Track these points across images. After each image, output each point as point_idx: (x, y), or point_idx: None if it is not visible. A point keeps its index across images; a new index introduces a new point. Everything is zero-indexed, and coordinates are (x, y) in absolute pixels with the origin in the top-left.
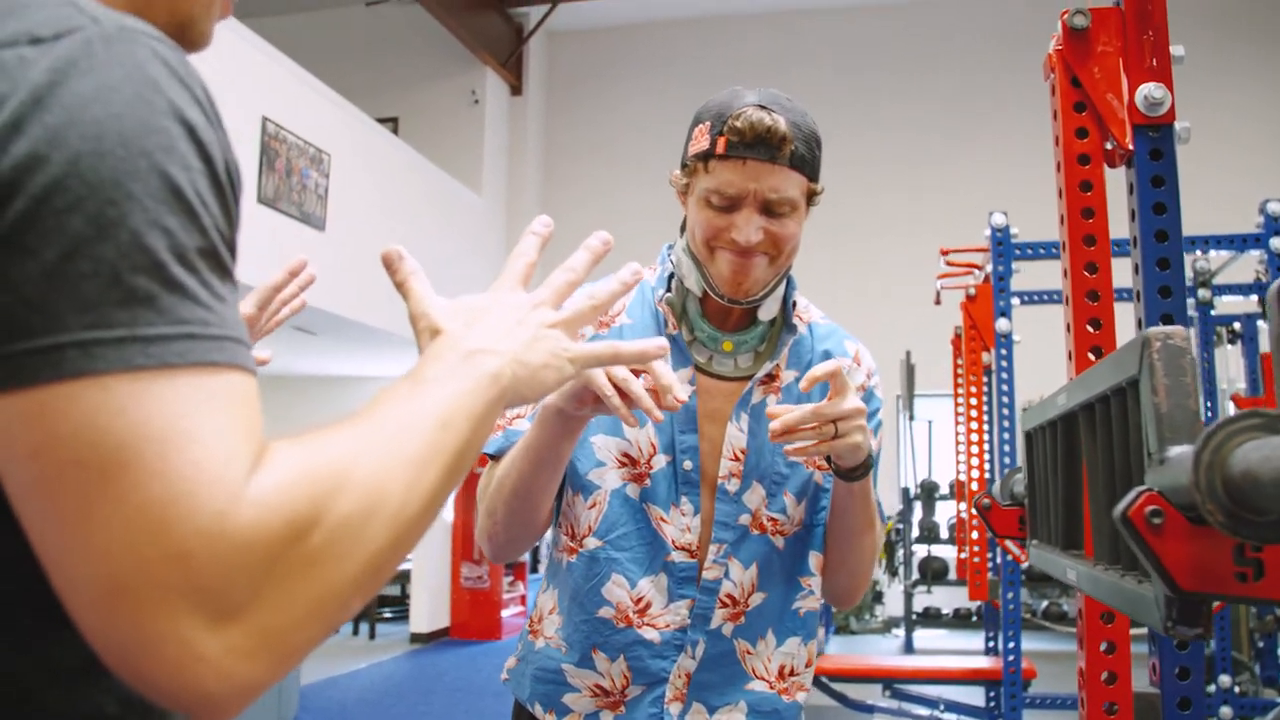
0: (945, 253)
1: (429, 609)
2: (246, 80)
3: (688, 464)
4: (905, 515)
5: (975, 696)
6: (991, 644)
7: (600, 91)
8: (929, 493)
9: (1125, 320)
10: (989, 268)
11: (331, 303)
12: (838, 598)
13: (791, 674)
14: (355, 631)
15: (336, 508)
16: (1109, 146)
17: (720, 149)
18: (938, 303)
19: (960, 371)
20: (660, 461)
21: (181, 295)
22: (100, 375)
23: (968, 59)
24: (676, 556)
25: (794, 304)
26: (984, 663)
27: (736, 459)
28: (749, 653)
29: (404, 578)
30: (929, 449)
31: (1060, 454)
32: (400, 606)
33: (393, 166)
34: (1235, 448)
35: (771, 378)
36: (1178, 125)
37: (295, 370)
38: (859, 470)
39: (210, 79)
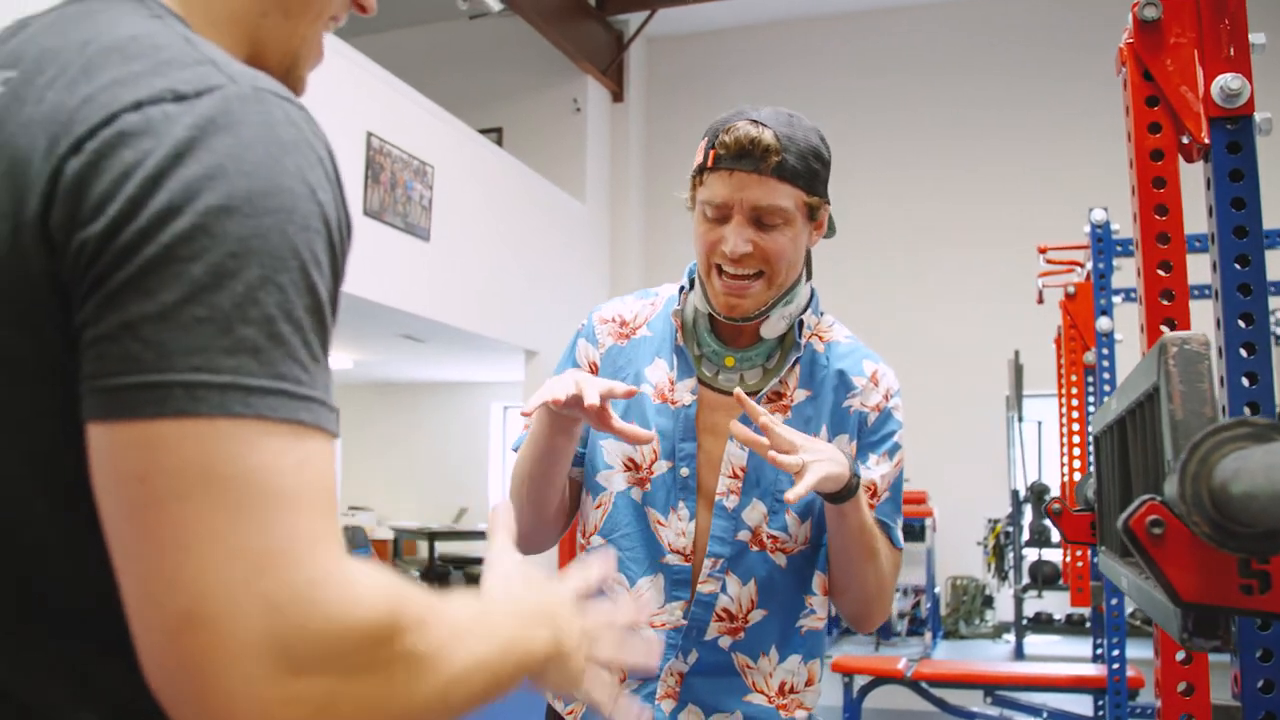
0: (1043, 250)
1: None
2: (350, 97)
3: (684, 471)
4: (1014, 518)
5: (1083, 705)
6: (1099, 651)
7: (700, 95)
8: (1039, 495)
9: (1207, 319)
10: (1089, 265)
11: (438, 311)
12: (853, 620)
13: (792, 691)
14: None
15: (412, 639)
16: (1185, 141)
17: (710, 161)
18: (1040, 301)
19: (1063, 372)
20: (661, 467)
21: (284, 351)
22: (201, 418)
23: (1061, 53)
24: (671, 559)
25: (800, 322)
26: (1090, 670)
27: (735, 476)
28: (749, 666)
29: None
30: (1038, 450)
31: (1117, 459)
32: None
33: (496, 176)
34: (1222, 458)
35: (779, 395)
36: (1257, 117)
37: (405, 377)
38: (840, 494)
39: (315, 96)
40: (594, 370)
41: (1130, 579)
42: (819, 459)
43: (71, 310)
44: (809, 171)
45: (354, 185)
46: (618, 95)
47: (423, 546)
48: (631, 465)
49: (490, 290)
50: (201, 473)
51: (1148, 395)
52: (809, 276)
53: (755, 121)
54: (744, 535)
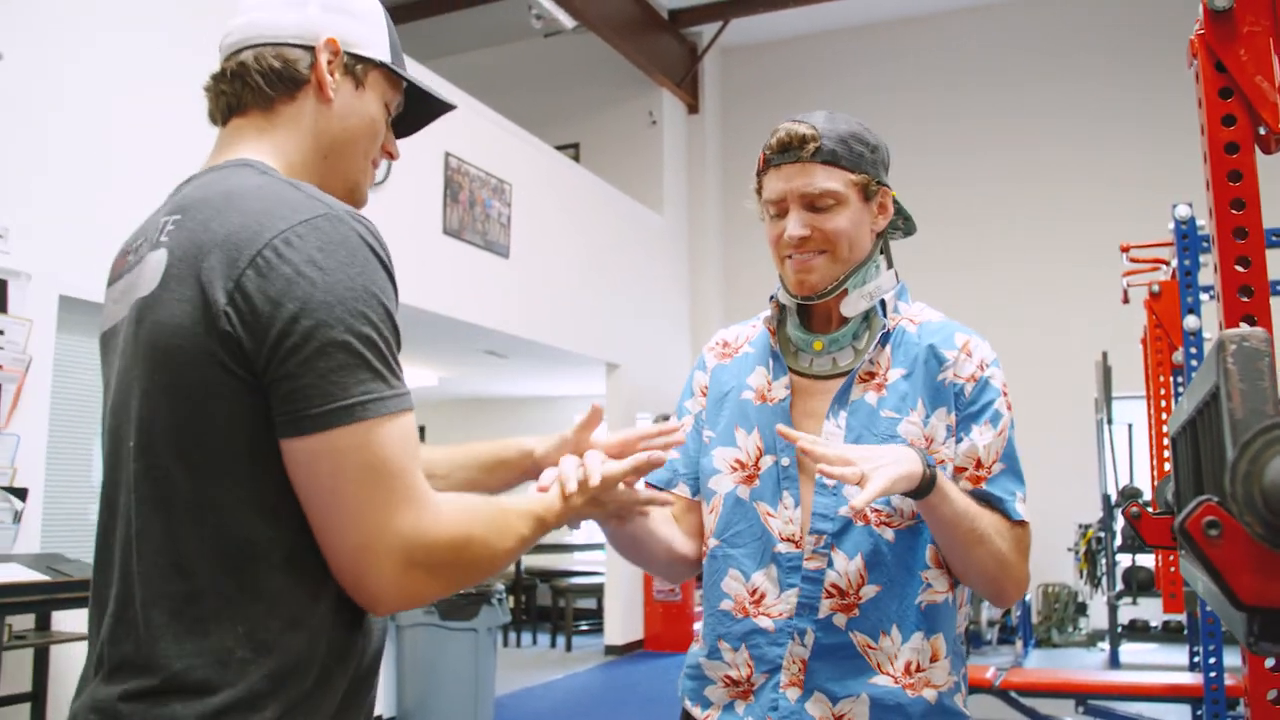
0: (1126, 249)
1: (623, 621)
2: None
3: (785, 460)
4: (1106, 523)
5: (1181, 715)
6: (1195, 659)
7: (775, 104)
8: (1131, 499)
9: None
10: (1174, 262)
11: (519, 327)
12: (987, 598)
13: (919, 669)
14: (552, 644)
15: (472, 549)
16: (1261, 132)
17: (762, 164)
18: (1125, 301)
19: (1150, 372)
20: (766, 462)
21: (393, 375)
22: (372, 421)
23: (1139, 49)
24: (782, 548)
25: (883, 302)
26: (1186, 679)
27: None
28: (871, 647)
29: (599, 591)
30: (1130, 453)
31: (1190, 460)
32: (595, 619)
33: (574, 191)
34: (1274, 456)
35: (871, 375)
36: None
37: (489, 393)
38: (918, 491)
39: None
40: (704, 393)
41: (1205, 582)
42: (881, 464)
43: (253, 367)
44: (851, 153)
45: (433, 205)
46: (693, 107)
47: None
48: (739, 465)
49: (570, 305)
50: (371, 459)
51: (1212, 394)
52: (890, 264)
53: (796, 120)
54: (845, 510)
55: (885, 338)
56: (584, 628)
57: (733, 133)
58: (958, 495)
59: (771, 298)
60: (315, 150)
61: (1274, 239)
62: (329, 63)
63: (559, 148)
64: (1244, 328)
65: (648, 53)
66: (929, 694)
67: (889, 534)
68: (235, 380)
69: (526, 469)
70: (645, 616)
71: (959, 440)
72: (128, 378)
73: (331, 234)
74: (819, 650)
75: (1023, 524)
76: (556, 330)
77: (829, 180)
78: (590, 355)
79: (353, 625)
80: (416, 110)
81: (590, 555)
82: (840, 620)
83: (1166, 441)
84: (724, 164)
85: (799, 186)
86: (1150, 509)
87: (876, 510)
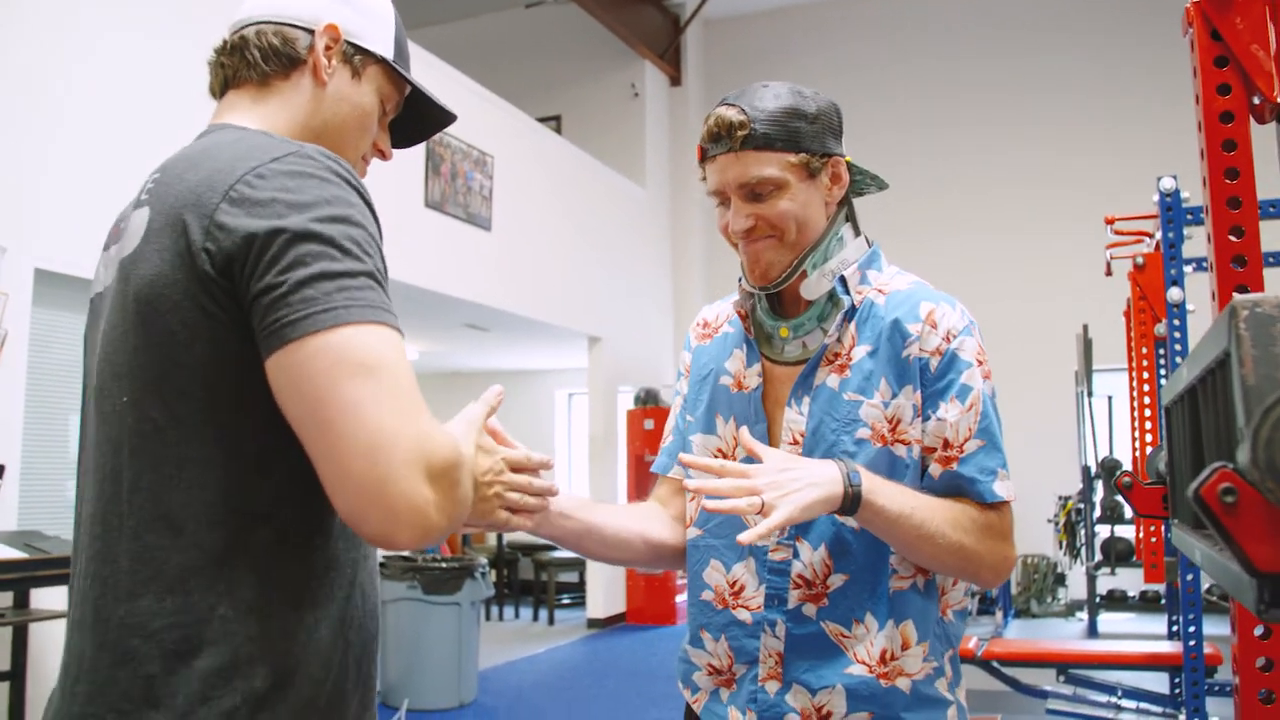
0: (1110, 221)
1: (605, 595)
2: None
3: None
4: (1086, 495)
5: (1159, 683)
6: (1174, 628)
7: (759, 76)
8: (1110, 471)
9: None
10: (1159, 235)
11: (501, 299)
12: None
13: (893, 658)
14: (535, 617)
15: (462, 468)
16: (1256, 102)
17: (700, 155)
18: (1108, 274)
19: (1133, 345)
20: (741, 452)
21: (381, 291)
22: (361, 324)
23: (1128, 19)
24: (752, 515)
25: (842, 278)
26: (1165, 648)
27: (795, 442)
28: (845, 635)
29: (581, 565)
30: (1109, 425)
31: (1188, 429)
32: (578, 593)
33: (556, 164)
34: None
35: (836, 355)
36: None
37: (470, 366)
38: (842, 511)
39: None
40: (687, 371)
41: (1204, 551)
42: (790, 491)
43: (235, 298)
44: (787, 132)
45: (415, 178)
46: (675, 79)
47: (491, 535)
48: (721, 454)
49: (552, 278)
50: (372, 354)
51: (1219, 361)
52: (857, 231)
53: (727, 103)
54: (742, 539)
55: (851, 313)
56: (566, 601)
57: (715, 105)
58: (893, 500)
59: (740, 281)
60: (304, 128)
61: (1268, 210)
62: (327, 48)
63: (541, 119)
64: (1256, 294)
65: (630, 24)
66: (903, 683)
67: (853, 522)
68: (215, 324)
69: None
70: (627, 590)
71: (926, 418)
72: (115, 334)
73: (303, 166)
74: (793, 642)
75: (1000, 505)
76: (538, 303)
77: (765, 167)
78: (572, 328)
79: (347, 584)
80: (419, 120)
81: None
82: (810, 610)
83: (1153, 412)
84: None
85: (734, 177)
86: (1140, 479)
87: None
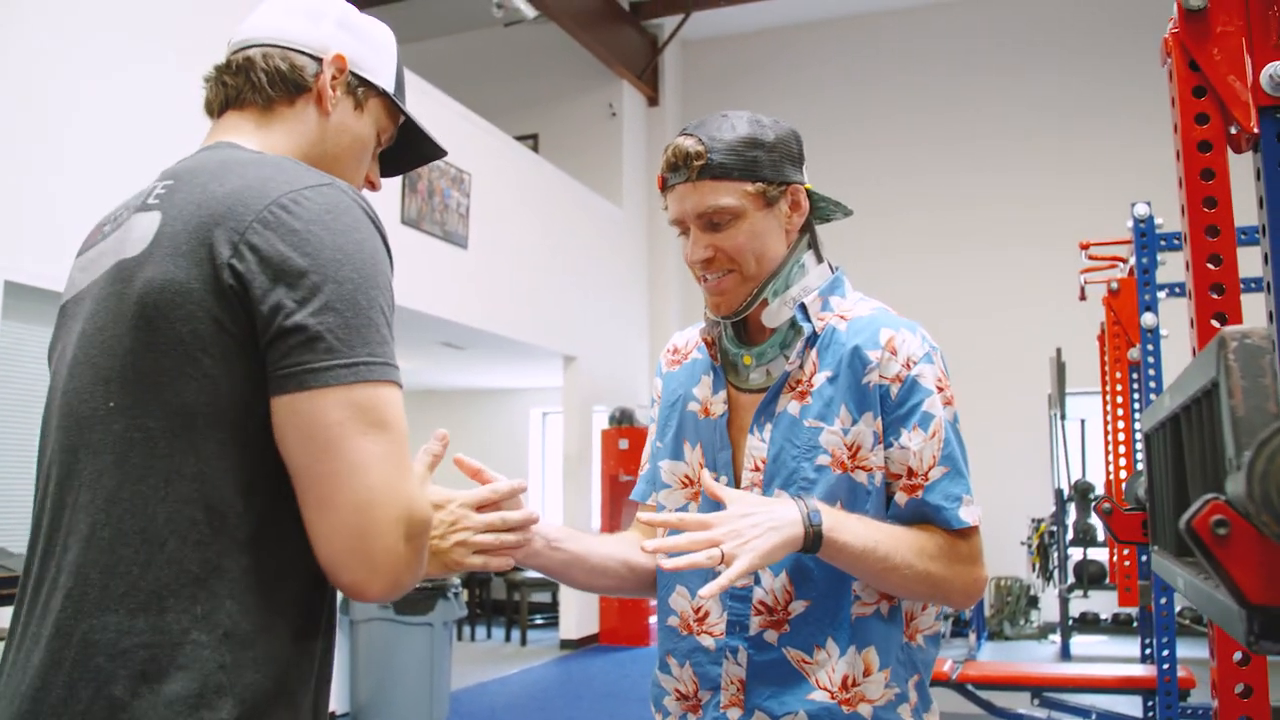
0: (1085, 246)
1: (578, 615)
2: None
3: (722, 478)
4: (1059, 517)
5: (1132, 706)
6: (1148, 652)
7: (736, 98)
8: (1083, 494)
9: (1258, 312)
10: (1132, 260)
11: (477, 318)
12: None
13: (854, 684)
14: (507, 638)
15: (430, 531)
16: (1233, 131)
17: (660, 184)
18: (1082, 298)
19: (1106, 369)
20: (707, 478)
21: (392, 347)
22: (380, 384)
23: (1105, 46)
24: (715, 567)
25: (803, 305)
26: (1138, 671)
27: (757, 469)
28: (806, 661)
29: (554, 585)
30: (1082, 448)
31: (1170, 457)
32: (551, 613)
33: (533, 182)
34: None
35: (798, 382)
36: None
37: (445, 384)
38: (805, 550)
39: None
40: (659, 398)
41: (1187, 579)
42: (750, 539)
43: (251, 323)
44: (743, 162)
45: (391, 195)
46: (653, 100)
47: None
48: (689, 482)
49: (528, 296)
50: (380, 416)
51: (1205, 391)
52: (820, 258)
53: (684, 133)
54: (705, 591)
55: (812, 340)
56: (539, 622)
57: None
58: (857, 535)
59: (705, 309)
60: (304, 157)
61: (1243, 237)
62: (333, 78)
63: (518, 138)
64: (1244, 325)
65: (608, 44)
66: (864, 709)
67: None
68: (227, 338)
69: None
70: (601, 611)
71: (888, 445)
72: (100, 337)
73: (338, 201)
74: (754, 668)
75: (967, 530)
76: (514, 322)
77: (721, 196)
78: (548, 347)
79: (315, 620)
80: (407, 149)
81: None
82: (772, 637)
83: (1127, 436)
84: None
85: (691, 207)
86: (1119, 504)
87: None
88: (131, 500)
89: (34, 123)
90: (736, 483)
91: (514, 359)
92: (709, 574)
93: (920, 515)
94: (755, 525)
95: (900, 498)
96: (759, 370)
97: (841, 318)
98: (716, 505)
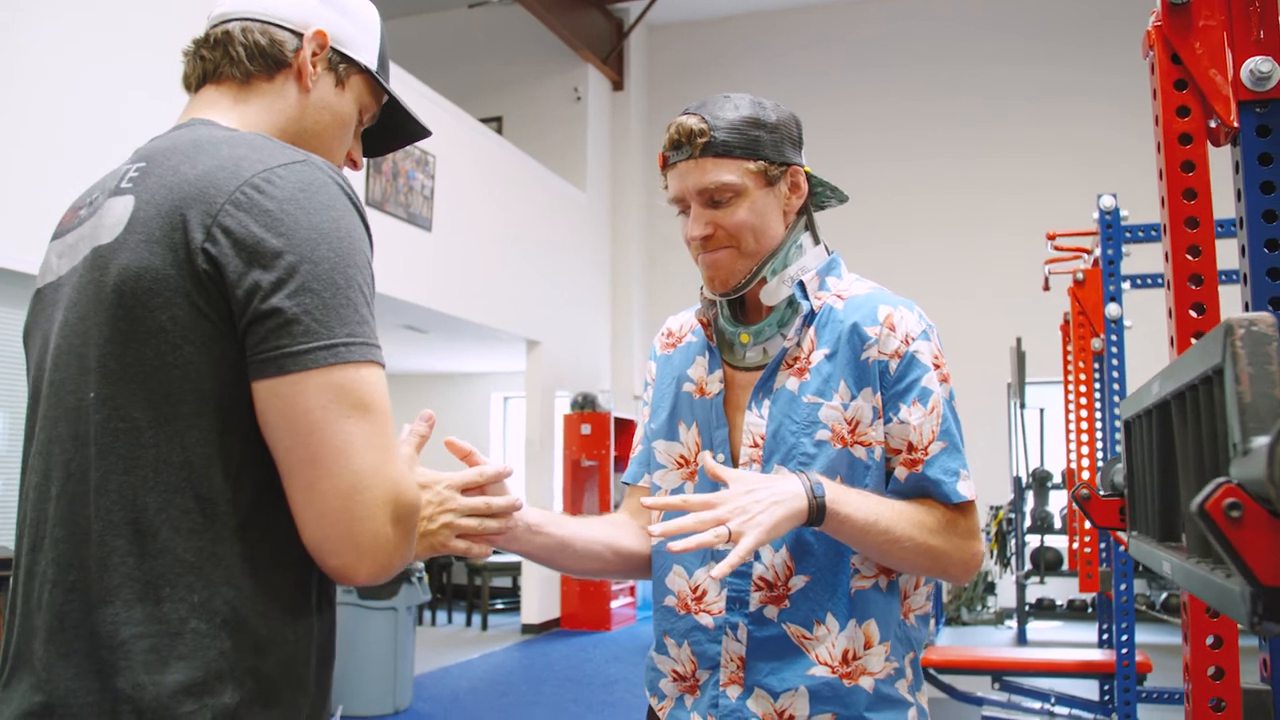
0: (1051, 237)
1: (540, 600)
2: None
3: (720, 456)
4: (1017, 505)
5: (1089, 690)
6: (1105, 637)
7: (702, 84)
8: (1041, 482)
9: (1234, 303)
10: (1098, 251)
11: (440, 302)
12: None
13: (855, 658)
14: (468, 623)
15: (418, 513)
16: (1213, 125)
17: (661, 162)
18: (1046, 288)
19: (1070, 358)
20: (705, 457)
21: (373, 325)
22: (360, 365)
23: (1072, 37)
24: (721, 545)
25: (801, 284)
26: (1097, 656)
27: (755, 445)
28: (806, 637)
29: (515, 570)
30: (1040, 437)
31: (1156, 444)
32: (512, 598)
33: (497, 166)
34: None
35: (795, 359)
36: None
37: (407, 368)
38: (810, 523)
39: None
40: (652, 380)
41: (1175, 563)
42: (755, 514)
43: (228, 307)
44: (745, 141)
45: (356, 176)
46: (618, 84)
47: None
48: (684, 461)
49: (492, 280)
50: (364, 399)
51: (1204, 378)
52: (816, 240)
53: (687, 112)
54: (717, 573)
55: (810, 318)
56: (500, 606)
57: (657, 111)
58: (859, 508)
59: (701, 289)
60: (285, 133)
61: (1221, 229)
62: (314, 54)
63: (483, 120)
64: (1250, 313)
65: (574, 27)
66: (866, 682)
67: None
68: (207, 324)
69: None
70: (562, 595)
71: (888, 420)
72: (82, 326)
73: (313, 178)
74: (754, 645)
75: (965, 504)
76: (477, 306)
77: (724, 173)
78: (510, 331)
79: (315, 601)
80: (389, 130)
81: None
82: (772, 613)
83: (1090, 425)
84: (648, 143)
85: (694, 184)
86: (1095, 490)
87: None
88: (119, 491)
89: (16, 107)
90: (734, 460)
91: (476, 343)
92: (704, 555)
93: (920, 489)
94: (759, 501)
95: (900, 472)
96: (756, 349)
97: (839, 297)
98: (713, 485)
